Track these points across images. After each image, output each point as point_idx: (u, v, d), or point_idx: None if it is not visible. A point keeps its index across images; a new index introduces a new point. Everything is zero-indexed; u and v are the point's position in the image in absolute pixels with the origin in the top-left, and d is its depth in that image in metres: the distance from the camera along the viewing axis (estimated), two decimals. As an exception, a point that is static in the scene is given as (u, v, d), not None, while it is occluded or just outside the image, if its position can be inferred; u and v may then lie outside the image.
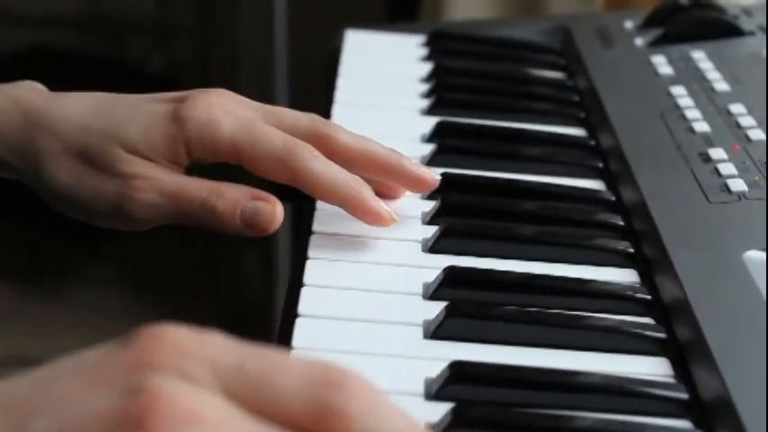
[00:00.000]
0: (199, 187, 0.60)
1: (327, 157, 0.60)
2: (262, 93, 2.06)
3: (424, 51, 0.92)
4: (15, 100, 0.62)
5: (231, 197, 0.59)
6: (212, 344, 0.36)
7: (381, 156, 0.63)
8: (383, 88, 0.84)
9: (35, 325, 2.13)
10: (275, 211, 0.60)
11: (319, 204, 0.64)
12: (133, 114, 0.61)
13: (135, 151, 0.60)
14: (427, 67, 0.88)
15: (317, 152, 0.60)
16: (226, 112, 0.60)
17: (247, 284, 2.30)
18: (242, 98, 0.63)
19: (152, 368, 0.35)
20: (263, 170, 0.60)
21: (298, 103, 1.95)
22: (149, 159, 0.60)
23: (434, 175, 0.65)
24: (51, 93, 0.64)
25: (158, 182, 0.60)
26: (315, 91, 1.92)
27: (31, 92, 0.63)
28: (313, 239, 0.62)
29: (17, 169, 0.62)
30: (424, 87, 0.84)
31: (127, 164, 0.60)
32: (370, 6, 2.17)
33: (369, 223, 0.61)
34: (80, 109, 0.62)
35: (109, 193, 0.60)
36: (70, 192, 0.61)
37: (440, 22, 1.43)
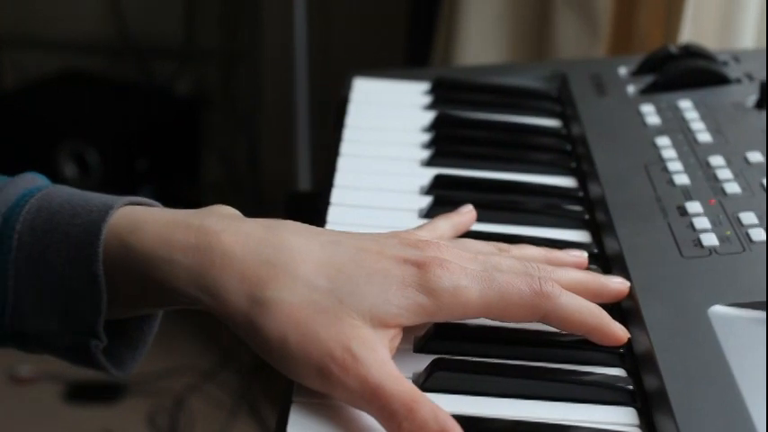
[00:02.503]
0: (397, 393, 0.54)
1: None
2: (283, 112, 2.13)
3: (427, 99, 0.97)
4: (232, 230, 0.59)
5: (421, 420, 0.53)
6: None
7: (593, 315, 0.62)
8: (386, 139, 0.89)
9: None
10: None
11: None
12: (370, 278, 0.58)
13: (369, 318, 0.57)
14: (430, 116, 0.93)
15: (557, 285, 0.60)
16: (464, 270, 0.59)
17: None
18: (462, 242, 0.66)
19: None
20: (513, 318, 0.60)
21: (317, 136, 2.00)
22: (384, 326, 0.57)
23: (625, 331, 0.62)
24: (269, 225, 0.60)
25: (366, 368, 0.55)
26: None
27: (245, 223, 0.60)
28: None
29: (234, 324, 0.58)
30: (426, 137, 0.89)
31: (352, 331, 0.56)
32: (388, 47, 2.21)
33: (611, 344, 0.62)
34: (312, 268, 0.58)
35: (314, 358, 0.55)
36: (282, 348, 0.56)
37: (448, 66, 1.47)
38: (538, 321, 0.61)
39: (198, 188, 2.57)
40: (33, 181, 0.64)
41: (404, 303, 0.58)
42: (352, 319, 0.56)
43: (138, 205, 0.62)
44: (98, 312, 0.60)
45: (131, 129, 2.34)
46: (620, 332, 0.62)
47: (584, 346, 0.62)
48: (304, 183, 2.07)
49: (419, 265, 0.59)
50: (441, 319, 0.60)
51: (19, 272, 0.60)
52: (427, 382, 0.59)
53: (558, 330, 0.62)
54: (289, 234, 0.60)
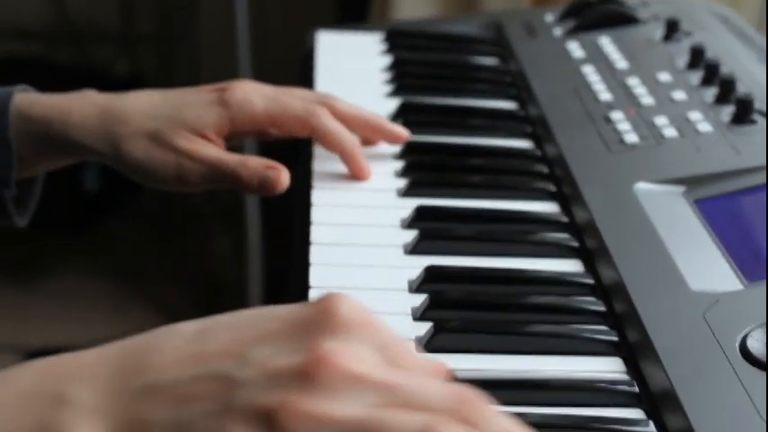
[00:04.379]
0: (231, 159, 0.81)
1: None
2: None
3: (384, 47, 1.12)
4: (90, 101, 0.83)
5: (252, 167, 0.81)
6: (375, 319, 0.48)
7: (369, 118, 0.87)
8: (354, 80, 1.04)
9: (19, 314, 2.30)
10: (280, 177, 0.81)
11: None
12: (188, 103, 0.83)
13: (192, 130, 0.81)
14: (388, 60, 1.08)
15: (328, 113, 0.84)
16: (256, 92, 0.84)
17: (220, 268, 2.49)
18: (264, 85, 0.86)
19: (327, 329, 0.46)
20: (289, 130, 0.84)
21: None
22: (202, 136, 0.81)
23: (405, 131, 0.88)
24: (114, 94, 0.85)
25: (205, 154, 0.81)
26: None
27: (97, 94, 0.84)
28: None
29: (101, 152, 0.82)
30: (387, 76, 1.05)
31: (185, 141, 0.81)
32: (321, 10, 2.37)
33: (353, 174, 0.84)
34: (146, 103, 0.83)
35: (170, 164, 0.81)
36: (142, 165, 0.81)
37: (389, 22, 1.63)
38: (308, 136, 0.85)
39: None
40: None
41: None
42: None
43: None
44: (10, 167, 0.82)
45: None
46: (365, 167, 0.85)
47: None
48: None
49: (221, 89, 0.84)
50: (236, 126, 0.83)
51: None
52: (431, 342, 0.66)
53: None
54: None
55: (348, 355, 0.46)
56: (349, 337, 0.47)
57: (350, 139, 0.85)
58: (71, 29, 2.60)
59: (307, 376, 0.45)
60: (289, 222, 0.89)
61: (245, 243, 2.14)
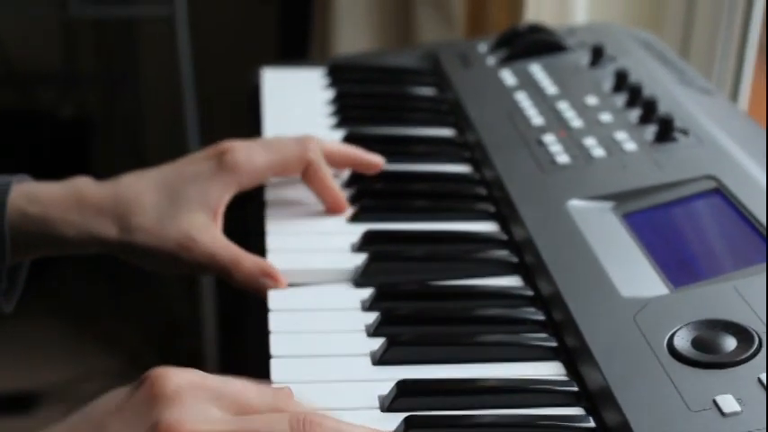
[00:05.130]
0: (225, 256, 0.81)
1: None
2: (172, 130, 2.29)
3: (326, 81, 1.17)
4: (88, 197, 0.84)
5: (246, 270, 0.81)
6: (199, 376, 0.56)
7: (350, 151, 0.94)
8: (300, 114, 1.09)
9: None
10: (277, 287, 0.80)
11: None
12: (189, 180, 0.84)
13: (199, 208, 0.83)
14: (331, 93, 1.13)
15: (318, 147, 0.89)
16: (252, 148, 0.87)
17: (173, 306, 2.50)
18: (250, 140, 0.89)
19: (163, 402, 0.54)
20: (288, 171, 0.88)
21: (207, 138, 2.16)
22: (209, 210, 0.83)
23: (381, 158, 0.94)
24: (111, 181, 0.86)
25: (201, 250, 0.82)
26: (221, 123, 2.16)
27: (93, 185, 0.85)
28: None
29: (104, 246, 0.84)
30: (331, 109, 1.10)
31: (185, 230, 0.82)
32: (262, 46, 2.42)
33: (334, 207, 0.90)
34: (146, 190, 0.84)
35: (168, 253, 0.82)
36: (144, 255, 0.83)
37: (329, 56, 1.69)
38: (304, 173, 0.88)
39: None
40: None
41: None
42: None
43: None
44: (2, 260, 0.82)
45: (17, 155, 2.46)
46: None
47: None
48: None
49: (219, 153, 0.86)
50: (243, 186, 0.86)
51: None
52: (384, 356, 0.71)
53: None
54: None
55: (190, 419, 0.54)
56: (184, 402, 0.55)
57: (338, 190, 0.90)
58: (13, 71, 2.62)
59: None
60: None
61: (199, 280, 2.17)
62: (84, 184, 0.85)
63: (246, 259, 0.81)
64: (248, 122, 1.18)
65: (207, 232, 0.83)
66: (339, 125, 1.06)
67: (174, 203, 0.83)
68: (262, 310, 0.77)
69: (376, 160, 0.94)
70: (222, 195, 0.85)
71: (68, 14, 2.24)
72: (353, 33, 1.68)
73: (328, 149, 0.91)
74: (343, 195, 0.90)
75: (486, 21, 1.62)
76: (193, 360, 2.20)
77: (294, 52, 2.15)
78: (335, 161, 0.91)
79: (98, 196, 0.84)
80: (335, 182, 0.90)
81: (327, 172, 0.89)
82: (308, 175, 0.88)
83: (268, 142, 0.89)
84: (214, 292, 2.18)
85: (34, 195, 0.84)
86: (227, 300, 2.24)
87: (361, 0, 1.67)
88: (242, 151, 0.86)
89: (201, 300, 2.18)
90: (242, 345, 1.99)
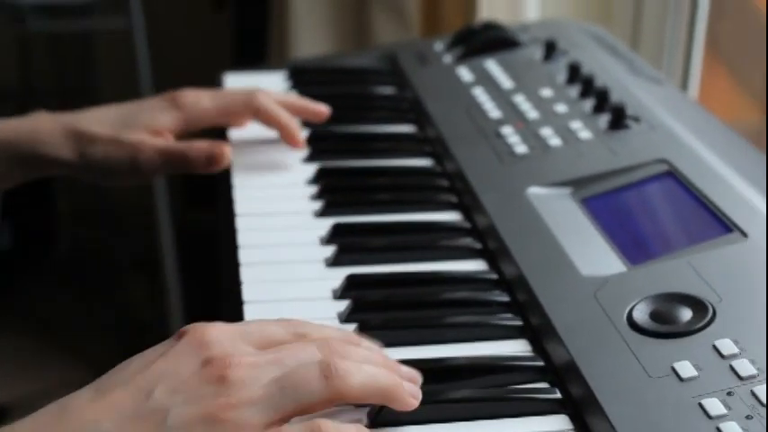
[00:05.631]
0: (179, 144, 0.96)
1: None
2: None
3: (288, 84, 1.20)
4: (52, 119, 0.95)
5: (198, 147, 0.96)
6: (226, 325, 0.63)
7: (295, 100, 1.05)
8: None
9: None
10: (224, 151, 0.96)
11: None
12: (142, 109, 0.97)
13: (147, 130, 0.95)
14: (295, 96, 1.16)
15: (266, 94, 1.00)
16: (202, 93, 0.99)
17: (139, 313, 2.52)
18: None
19: (209, 345, 0.60)
20: (236, 116, 1.00)
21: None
22: (157, 135, 0.95)
23: (325, 107, 1.04)
24: (72, 112, 0.97)
25: (154, 144, 0.94)
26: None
27: (55, 114, 0.97)
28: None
29: (67, 162, 0.94)
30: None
31: (137, 136, 0.94)
32: (217, 51, 2.44)
33: (292, 143, 1.01)
34: (103, 114, 0.97)
35: (125, 158, 0.94)
36: (102, 166, 0.94)
37: (287, 59, 1.72)
38: (254, 118, 1.00)
39: (54, 218, 2.70)
40: None
41: None
42: None
43: None
44: None
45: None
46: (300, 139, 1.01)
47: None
48: (161, 200, 2.22)
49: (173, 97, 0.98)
50: (189, 124, 0.98)
51: None
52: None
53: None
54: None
55: (236, 354, 0.60)
56: (226, 343, 0.61)
57: (287, 115, 1.00)
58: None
59: (217, 379, 0.58)
60: (204, 258, 1.00)
61: (165, 285, 2.19)
62: (42, 114, 0.97)
63: (198, 141, 0.95)
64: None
65: (158, 138, 0.95)
66: (304, 125, 1.08)
67: (126, 123, 0.95)
68: (230, 313, 0.80)
69: (322, 108, 1.04)
70: (169, 126, 0.96)
71: (25, 29, 2.25)
72: (311, 37, 1.71)
73: (278, 99, 1.02)
74: (299, 133, 1.01)
75: (441, 21, 1.66)
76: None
77: (250, 59, 2.18)
78: (282, 107, 1.01)
79: (59, 118, 0.96)
80: (292, 120, 1.01)
81: (278, 114, 0.99)
82: (261, 118, 1.00)
83: (218, 91, 1.02)
84: (181, 298, 2.20)
85: (1, 124, 0.95)
86: (194, 306, 2.25)
87: (317, 4, 1.70)
88: (191, 94, 0.98)
89: (169, 306, 2.20)
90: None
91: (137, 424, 0.57)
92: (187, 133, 0.99)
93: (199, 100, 0.98)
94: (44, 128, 0.95)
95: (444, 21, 1.65)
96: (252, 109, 0.99)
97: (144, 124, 0.95)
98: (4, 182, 0.98)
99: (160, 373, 0.59)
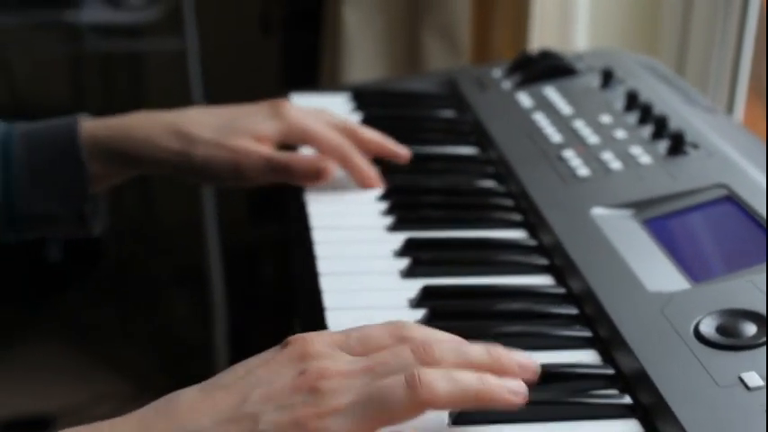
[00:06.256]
0: (283, 154, 0.99)
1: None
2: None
3: (352, 105, 1.25)
4: (153, 118, 0.99)
5: (303, 159, 1.00)
6: (329, 334, 0.67)
7: (381, 140, 1.07)
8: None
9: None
10: (328, 166, 1.00)
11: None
12: (245, 114, 1.00)
13: (250, 136, 0.98)
14: (358, 116, 1.21)
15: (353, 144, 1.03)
16: (303, 110, 1.03)
17: (184, 331, 2.56)
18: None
19: (308, 357, 0.64)
20: (323, 151, 1.02)
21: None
22: (258, 141, 0.98)
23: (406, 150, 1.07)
24: (173, 111, 1.00)
25: (259, 151, 0.97)
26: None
27: (158, 112, 1.01)
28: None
29: (169, 161, 0.97)
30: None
31: (242, 141, 0.97)
32: (265, 78, 2.50)
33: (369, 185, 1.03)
34: (205, 116, 0.99)
35: (229, 162, 0.97)
36: (205, 167, 0.97)
37: (340, 83, 1.77)
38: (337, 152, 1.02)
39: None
40: None
41: None
42: None
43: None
44: (87, 184, 0.97)
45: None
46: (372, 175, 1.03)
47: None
48: (209, 216, 2.28)
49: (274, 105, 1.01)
50: (287, 138, 1.01)
51: (27, 173, 0.96)
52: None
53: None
54: None
55: (332, 365, 0.63)
56: (325, 356, 0.64)
57: (368, 166, 1.02)
58: (22, 106, 2.68)
59: (309, 389, 0.62)
60: (251, 278, 1.05)
61: (211, 304, 2.23)
62: (144, 112, 1.00)
63: (299, 154, 1.00)
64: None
65: (261, 145, 0.98)
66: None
67: (230, 128, 0.97)
68: (273, 332, 0.84)
69: (403, 152, 1.06)
70: (270, 134, 0.99)
71: (81, 48, 2.31)
72: (363, 63, 1.77)
73: (363, 137, 1.04)
74: (373, 172, 1.02)
75: (491, 48, 1.70)
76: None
77: (298, 81, 2.22)
78: (368, 147, 1.04)
79: (159, 116, 0.99)
80: (371, 168, 1.03)
81: (361, 166, 1.01)
82: (344, 165, 1.02)
83: (321, 112, 1.03)
84: (226, 314, 2.24)
85: (102, 123, 0.99)
86: (239, 323, 2.30)
87: (369, 30, 1.76)
88: (293, 106, 1.01)
89: (213, 323, 2.24)
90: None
91: (231, 426, 0.62)
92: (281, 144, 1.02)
93: (303, 116, 1.00)
94: (145, 125, 0.97)
95: (494, 48, 1.70)
96: (336, 153, 1.01)
97: (248, 130, 0.97)
98: (102, 181, 0.99)
99: (258, 380, 0.64)
